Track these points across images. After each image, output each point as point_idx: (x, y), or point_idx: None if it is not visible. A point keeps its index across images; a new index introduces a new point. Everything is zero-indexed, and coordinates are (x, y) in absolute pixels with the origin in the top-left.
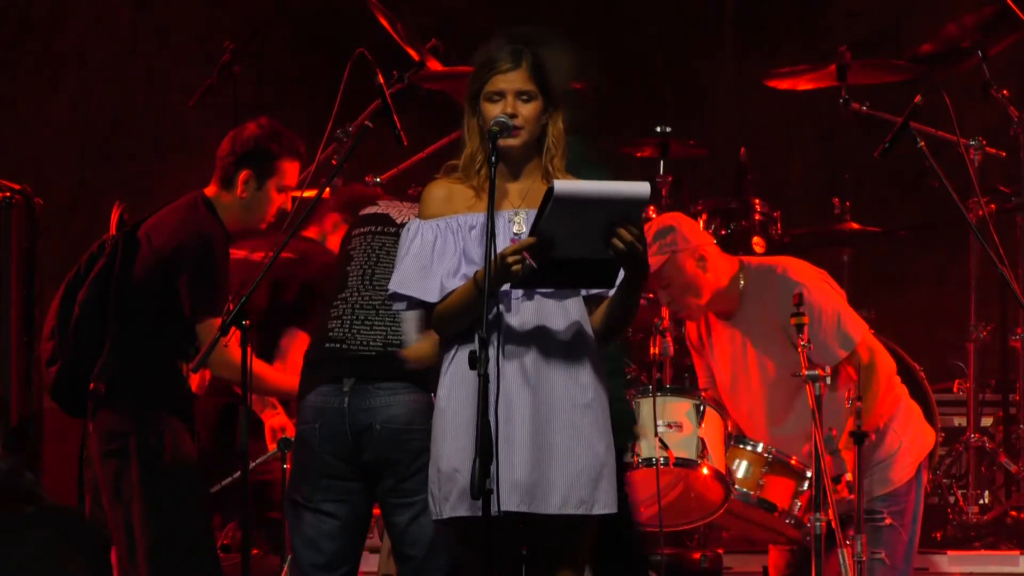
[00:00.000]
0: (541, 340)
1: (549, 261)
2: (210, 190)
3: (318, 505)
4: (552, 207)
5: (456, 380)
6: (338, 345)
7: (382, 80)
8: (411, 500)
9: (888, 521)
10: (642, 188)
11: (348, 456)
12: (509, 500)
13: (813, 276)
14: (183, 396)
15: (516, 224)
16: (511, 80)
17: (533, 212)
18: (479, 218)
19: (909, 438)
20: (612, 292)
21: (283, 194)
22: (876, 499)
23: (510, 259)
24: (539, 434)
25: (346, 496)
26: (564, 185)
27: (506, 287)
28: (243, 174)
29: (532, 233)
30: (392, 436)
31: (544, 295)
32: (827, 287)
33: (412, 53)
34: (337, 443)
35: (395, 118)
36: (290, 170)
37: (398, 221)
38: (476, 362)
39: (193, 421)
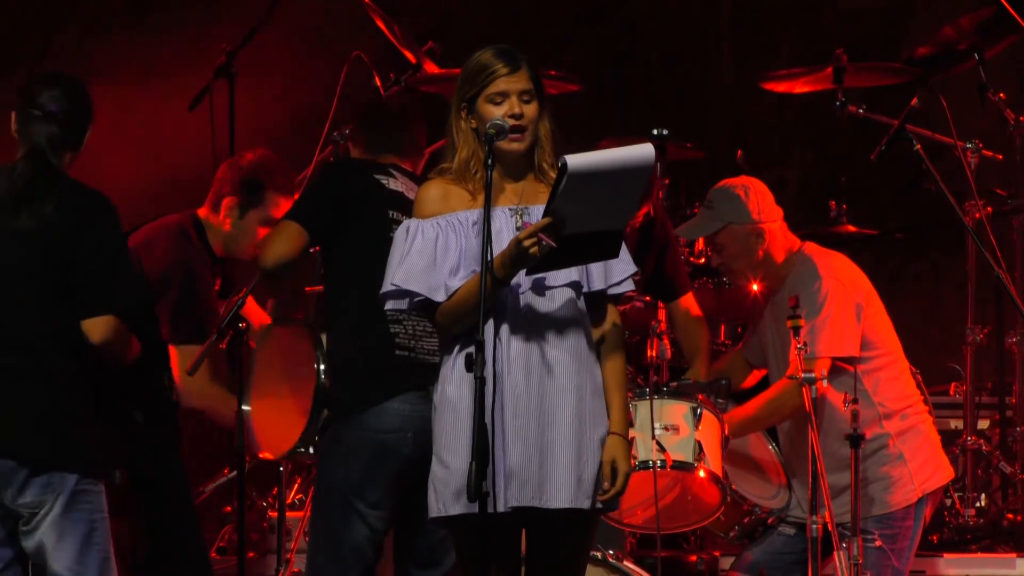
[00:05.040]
0: (544, 332)
1: (561, 239)
2: (203, 211)
3: (381, 513)
4: (567, 183)
5: (467, 378)
6: (407, 353)
7: (379, 83)
8: None
9: (878, 543)
10: (647, 151)
11: (424, 465)
12: (517, 495)
13: (840, 276)
14: (166, 406)
15: (518, 219)
16: (513, 81)
17: (534, 208)
18: (480, 214)
19: (917, 465)
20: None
21: (266, 227)
22: (869, 519)
23: (526, 243)
24: (546, 428)
25: (398, 502)
26: (576, 160)
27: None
28: (227, 200)
29: (547, 212)
30: None
31: (545, 287)
32: (841, 292)
33: (409, 56)
34: (423, 452)
35: None
36: (274, 203)
37: None
38: (473, 364)
39: (178, 429)
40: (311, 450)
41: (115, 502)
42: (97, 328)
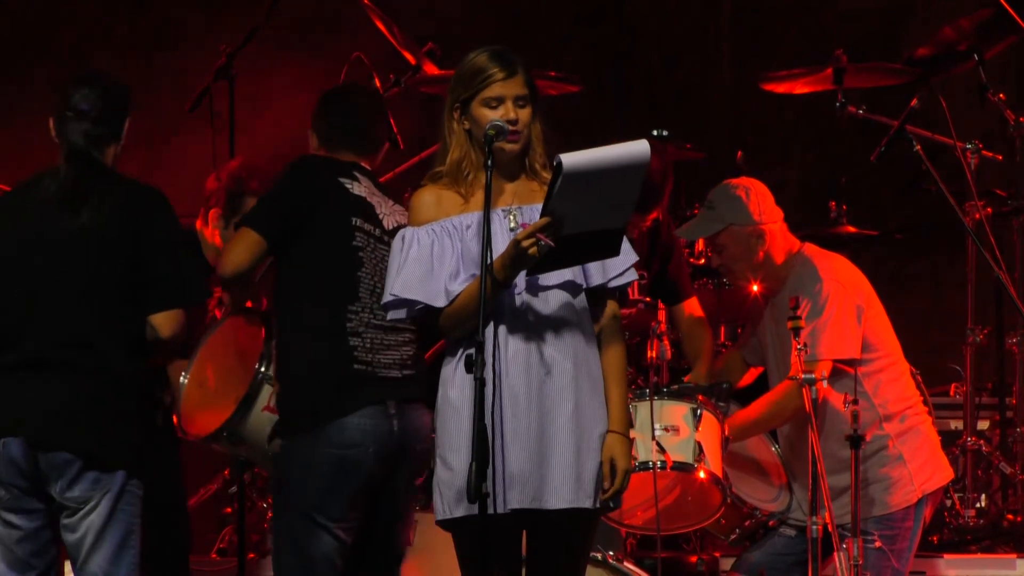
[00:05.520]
0: (543, 332)
1: (560, 238)
2: (199, 223)
3: (346, 524)
4: (563, 182)
5: (468, 380)
6: (365, 367)
7: (378, 83)
8: (410, 516)
9: (878, 544)
10: (642, 148)
11: (386, 477)
12: (519, 497)
13: (840, 278)
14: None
15: (511, 219)
16: (509, 86)
17: (527, 208)
18: (474, 217)
19: (916, 466)
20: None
21: None
22: (869, 520)
23: (524, 243)
24: (545, 428)
25: (362, 515)
26: (571, 158)
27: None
28: (212, 212)
29: (544, 212)
30: (424, 454)
31: (541, 287)
32: (842, 294)
33: (408, 57)
34: (385, 466)
35: (391, 121)
36: None
37: (384, 222)
38: (472, 365)
39: (175, 431)
40: (230, 437)
41: None
42: (168, 323)
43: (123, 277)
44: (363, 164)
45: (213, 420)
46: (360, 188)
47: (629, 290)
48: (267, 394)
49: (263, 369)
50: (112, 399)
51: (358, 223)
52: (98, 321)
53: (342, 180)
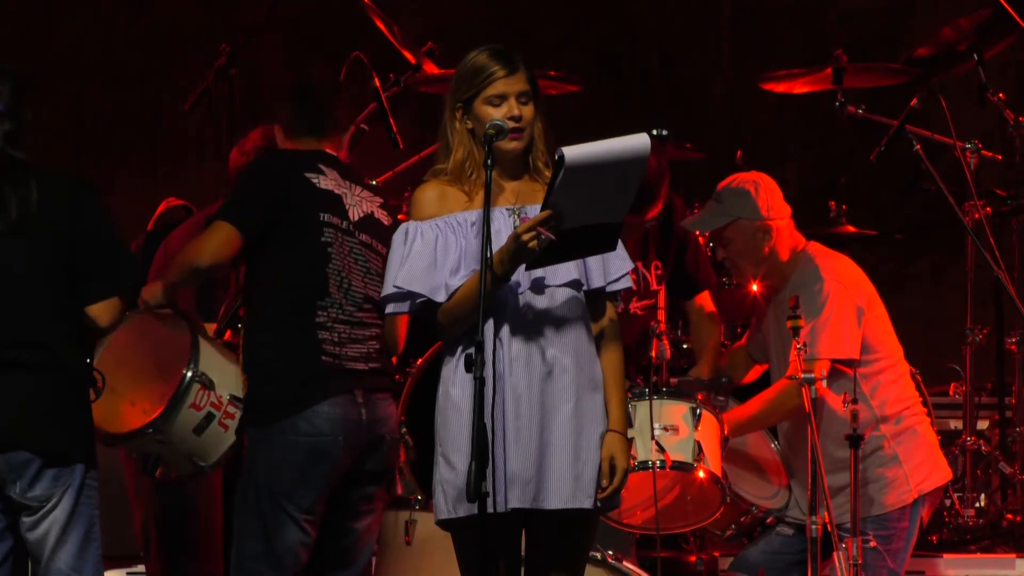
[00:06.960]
0: (545, 332)
1: (560, 232)
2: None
3: (312, 518)
4: (564, 175)
5: (470, 379)
6: (333, 360)
7: (378, 83)
8: (376, 506)
9: (872, 544)
10: (642, 142)
11: (353, 467)
12: (519, 496)
13: (842, 278)
14: None
15: (516, 218)
16: (512, 83)
17: (531, 208)
18: (478, 214)
19: (912, 466)
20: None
21: None
22: (866, 520)
23: (525, 236)
24: (545, 428)
25: (326, 505)
26: (573, 152)
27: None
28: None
29: (545, 205)
30: (393, 445)
31: (544, 285)
32: (843, 295)
33: (408, 56)
34: (354, 455)
35: (391, 121)
36: None
37: (350, 214)
38: (472, 365)
39: None
40: (155, 434)
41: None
42: (106, 312)
43: (64, 270)
44: (327, 150)
45: (131, 419)
46: (327, 181)
47: (652, 279)
48: (195, 392)
49: (193, 366)
50: (65, 394)
51: (326, 218)
52: (48, 317)
53: (308, 175)
